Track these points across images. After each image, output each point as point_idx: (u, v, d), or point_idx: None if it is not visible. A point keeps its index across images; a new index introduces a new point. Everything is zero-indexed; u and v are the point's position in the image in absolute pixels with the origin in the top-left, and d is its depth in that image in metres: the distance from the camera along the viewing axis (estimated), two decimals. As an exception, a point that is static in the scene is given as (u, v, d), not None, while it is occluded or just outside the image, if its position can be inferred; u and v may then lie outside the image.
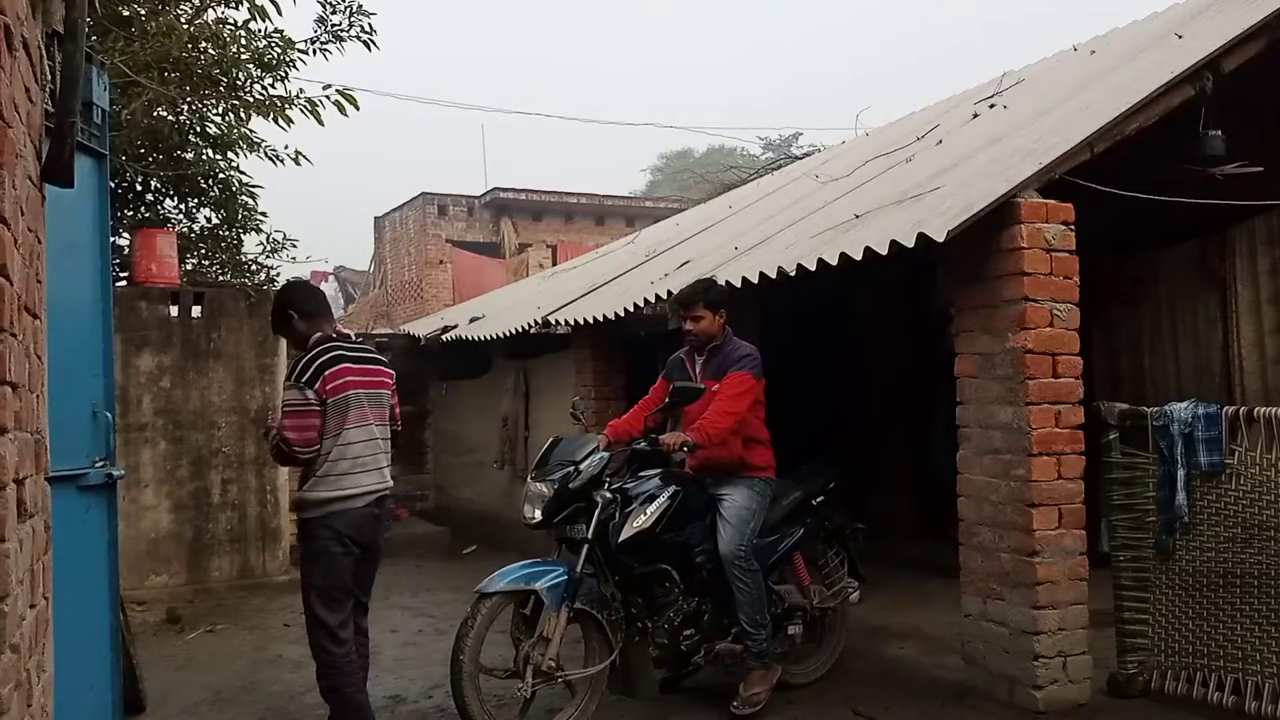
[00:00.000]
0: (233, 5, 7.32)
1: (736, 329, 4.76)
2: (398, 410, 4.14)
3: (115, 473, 3.38)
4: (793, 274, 4.85)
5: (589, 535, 4.09)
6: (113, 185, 5.85)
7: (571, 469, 4.15)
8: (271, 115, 7.36)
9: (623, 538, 4.19)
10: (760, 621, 4.30)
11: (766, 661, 4.35)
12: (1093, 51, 7.24)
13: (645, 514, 4.23)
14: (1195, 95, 4.63)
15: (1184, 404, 4.30)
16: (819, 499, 4.77)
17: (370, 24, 7.55)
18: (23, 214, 2.21)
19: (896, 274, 5.63)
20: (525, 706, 3.99)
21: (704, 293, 4.64)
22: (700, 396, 4.37)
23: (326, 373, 3.75)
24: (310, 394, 3.71)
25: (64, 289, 3.17)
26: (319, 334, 3.91)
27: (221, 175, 8.13)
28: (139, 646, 5.01)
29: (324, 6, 7.47)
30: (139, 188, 8.10)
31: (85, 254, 3.34)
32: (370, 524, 3.88)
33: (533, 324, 7.65)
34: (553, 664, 3.92)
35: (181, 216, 8.57)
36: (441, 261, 19.83)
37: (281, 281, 9.03)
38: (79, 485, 3.22)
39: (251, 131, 7.87)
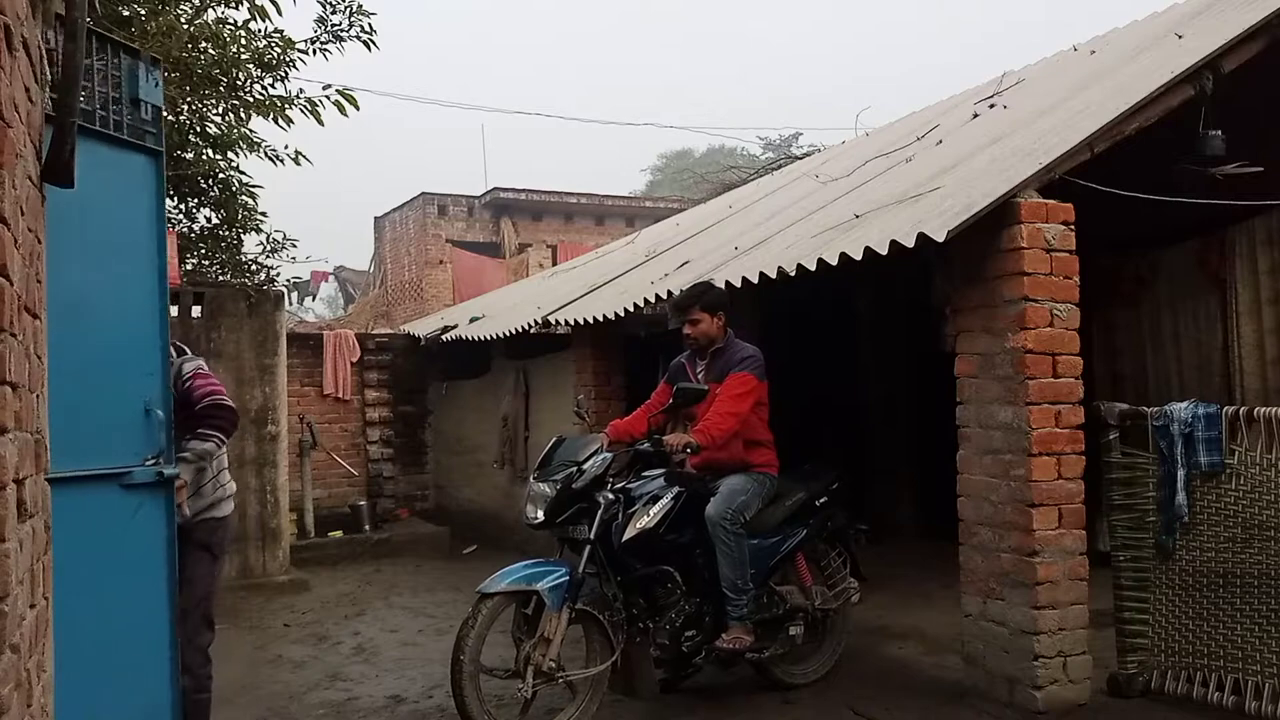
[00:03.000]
0: (233, 5, 7.33)
1: (736, 329, 4.76)
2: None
3: (167, 471, 3.25)
4: (793, 274, 4.85)
5: (591, 536, 4.09)
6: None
7: (574, 469, 4.15)
8: (271, 115, 7.36)
9: (626, 538, 4.18)
10: (741, 587, 4.29)
11: (747, 625, 4.33)
12: (1093, 51, 7.24)
13: (649, 514, 4.23)
14: (1195, 95, 4.63)
15: (1184, 404, 4.30)
16: (822, 500, 4.76)
17: (370, 24, 7.56)
18: (23, 214, 2.21)
19: (897, 274, 5.63)
20: (526, 707, 3.99)
21: (700, 296, 4.64)
22: (704, 398, 4.38)
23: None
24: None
25: (115, 286, 3.16)
26: None
27: (221, 175, 8.13)
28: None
29: (324, 6, 7.48)
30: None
31: (140, 251, 3.28)
32: None
33: (533, 324, 7.65)
34: (554, 664, 3.93)
35: (181, 216, 8.56)
36: (441, 261, 19.80)
37: (281, 281, 9.06)
38: (123, 484, 3.11)
39: (251, 131, 7.87)
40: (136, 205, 3.26)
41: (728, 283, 5.25)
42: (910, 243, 4.14)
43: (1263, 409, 4.13)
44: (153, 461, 3.23)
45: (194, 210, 8.62)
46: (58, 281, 2.91)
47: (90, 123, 3.08)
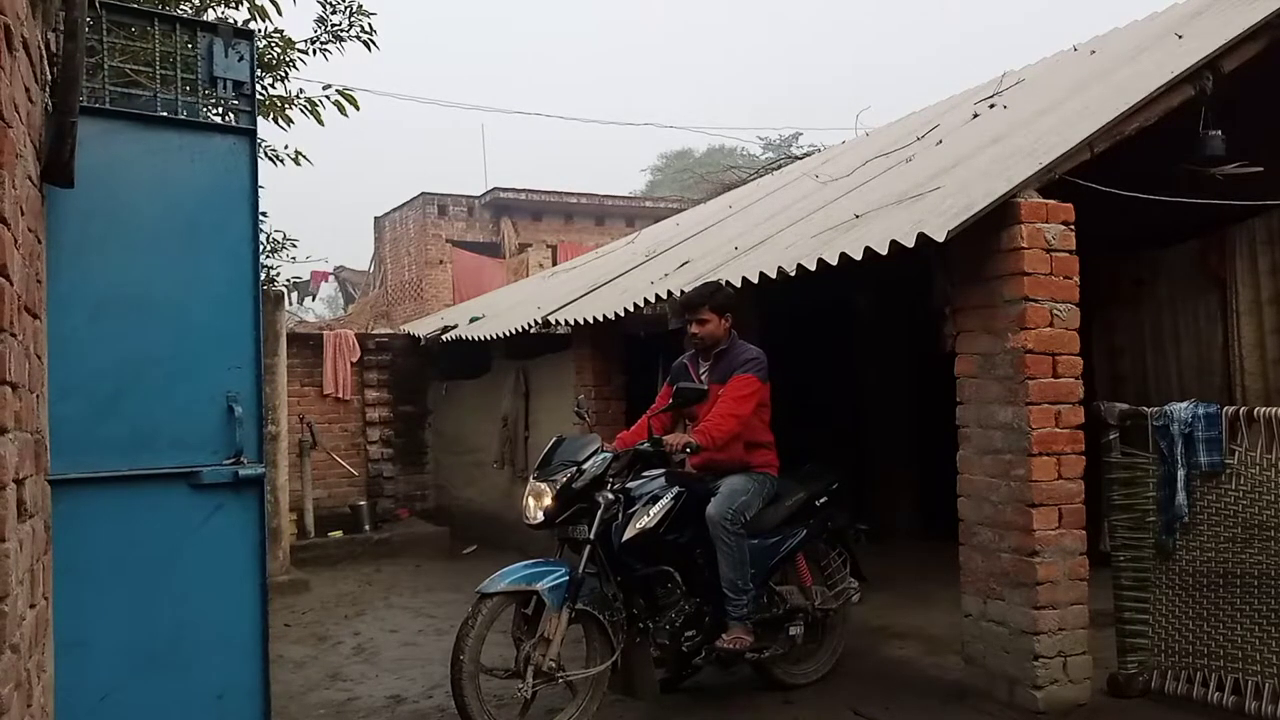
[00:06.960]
0: (233, 5, 7.31)
1: (737, 330, 4.76)
2: None
3: (245, 471, 3.03)
4: (793, 274, 4.85)
5: (591, 536, 4.09)
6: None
7: (574, 469, 4.15)
8: (271, 115, 7.35)
9: (626, 538, 4.18)
10: (741, 587, 4.28)
11: (747, 625, 4.33)
12: (1093, 51, 7.23)
13: (649, 514, 4.22)
14: (1195, 95, 4.63)
15: (1184, 404, 4.31)
16: (822, 500, 4.76)
17: (370, 24, 7.54)
18: (23, 214, 2.21)
19: (897, 274, 5.63)
20: (526, 707, 3.99)
21: (710, 295, 4.63)
22: (704, 398, 4.37)
23: None
24: None
25: (191, 277, 3.03)
26: None
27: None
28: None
29: (324, 6, 7.46)
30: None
31: (224, 237, 3.11)
32: None
33: (533, 324, 7.65)
34: (553, 664, 3.92)
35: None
36: (441, 261, 19.81)
37: (281, 281, 9.05)
38: (192, 484, 2.96)
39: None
40: (217, 190, 3.11)
41: (727, 282, 5.25)
42: (910, 243, 4.14)
43: (1263, 409, 4.14)
44: (232, 461, 3.04)
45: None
46: (124, 275, 2.84)
47: (149, 109, 2.96)
